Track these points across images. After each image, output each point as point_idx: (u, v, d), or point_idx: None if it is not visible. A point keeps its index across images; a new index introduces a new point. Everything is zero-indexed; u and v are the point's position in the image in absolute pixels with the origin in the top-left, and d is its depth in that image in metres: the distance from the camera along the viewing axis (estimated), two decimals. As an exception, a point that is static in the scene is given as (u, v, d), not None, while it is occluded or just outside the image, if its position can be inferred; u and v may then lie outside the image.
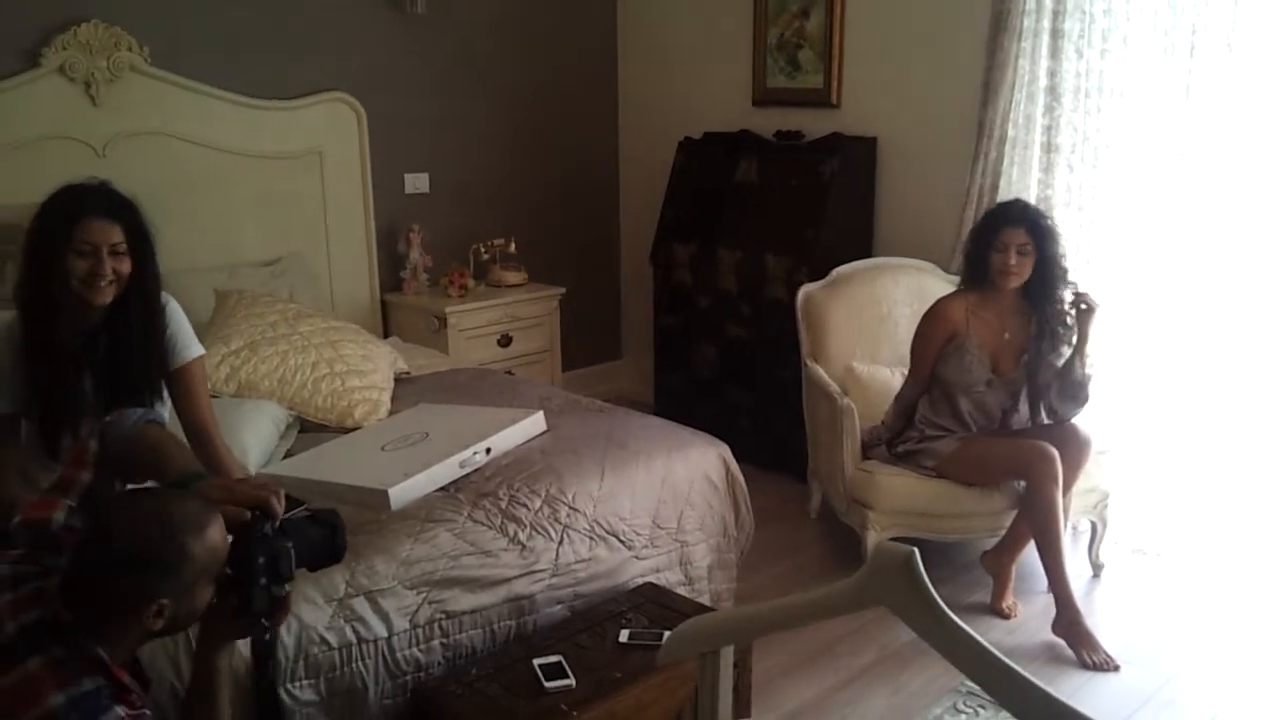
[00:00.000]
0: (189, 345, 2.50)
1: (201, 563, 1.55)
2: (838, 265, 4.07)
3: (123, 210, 2.29)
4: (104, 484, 1.75)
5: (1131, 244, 3.76)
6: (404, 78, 4.56)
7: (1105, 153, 3.76)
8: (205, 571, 1.57)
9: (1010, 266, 3.28)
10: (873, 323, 3.97)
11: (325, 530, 1.75)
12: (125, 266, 2.28)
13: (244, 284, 3.74)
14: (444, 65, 4.69)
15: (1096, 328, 3.32)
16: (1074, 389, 3.33)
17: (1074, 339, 3.32)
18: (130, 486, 1.83)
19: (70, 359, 2.30)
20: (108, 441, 1.77)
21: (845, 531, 3.64)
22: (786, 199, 4.44)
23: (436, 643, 2.44)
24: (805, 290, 3.98)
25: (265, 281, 3.87)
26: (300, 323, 3.41)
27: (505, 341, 4.57)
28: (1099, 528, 3.64)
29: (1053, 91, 3.83)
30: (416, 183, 4.67)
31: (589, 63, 5.28)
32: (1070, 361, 3.33)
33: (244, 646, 1.99)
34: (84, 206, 2.25)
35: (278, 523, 1.66)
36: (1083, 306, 3.29)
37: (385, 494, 2.55)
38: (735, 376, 4.62)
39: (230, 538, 1.62)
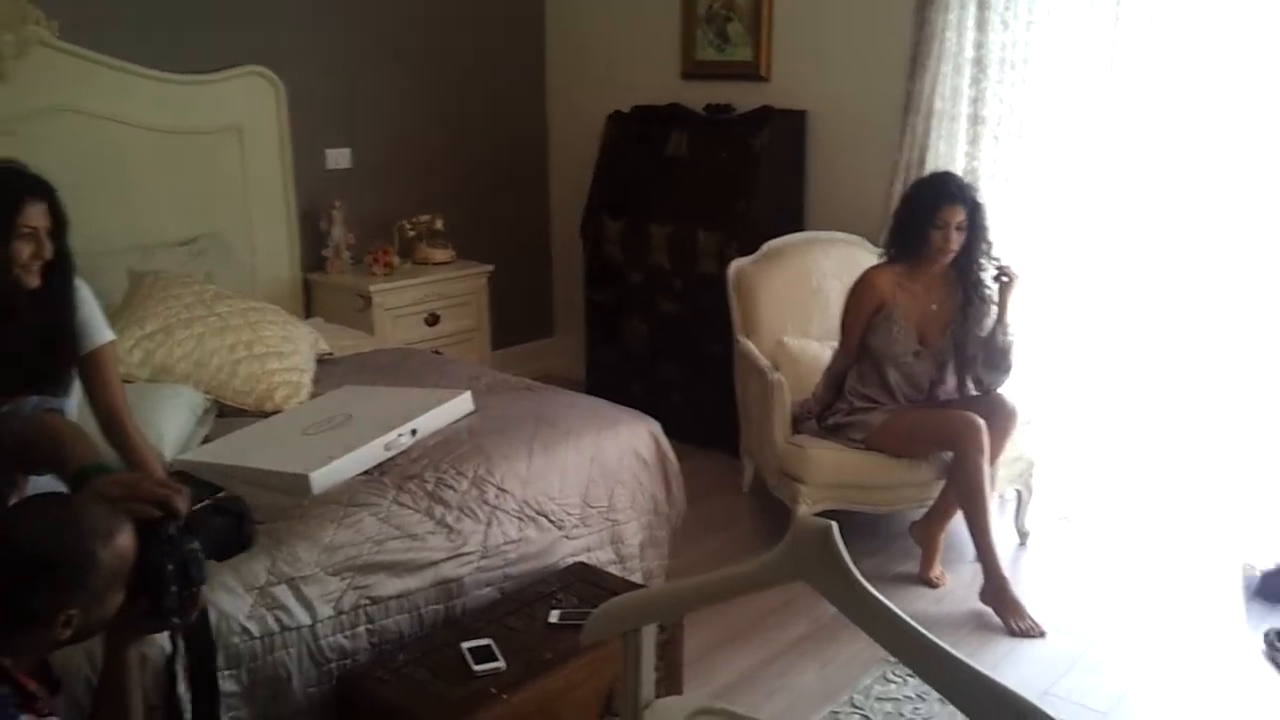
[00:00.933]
0: (100, 330, 2.41)
1: (111, 570, 1.51)
2: (769, 239, 4.07)
3: (46, 189, 2.21)
4: (2, 476, 1.69)
5: (1057, 216, 3.79)
6: (324, 50, 4.45)
7: (1030, 125, 3.79)
8: (115, 579, 1.52)
9: (950, 245, 3.31)
10: (804, 297, 3.98)
11: (231, 520, 1.71)
12: (49, 249, 2.20)
13: (159, 265, 3.63)
14: (366, 37, 4.58)
15: (1016, 298, 3.36)
16: (997, 358, 3.38)
17: (994, 310, 3.37)
18: (32, 478, 1.77)
19: None
20: (3, 433, 1.71)
21: (777, 505, 3.64)
22: (717, 173, 4.42)
23: (362, 629, 2.39)
24: (736, 265, 3.98)
25: (182, 262, 3.76)
26: (218, 304, 3.32)
27: (433, 320, 4.50)
28: (1025, 496, 3.69)
29: (979, 64, 3.85)
30: (338, 158, 4.57)
31: (516, 34, 5.19)
32: (992, 331, 3.37)
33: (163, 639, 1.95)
34: (20, 189, 2.17)
35: (181, 521, 1.61)
36: (1004, 279, 3.33)
37: (307, 479, 2.49)
38: (667, 352, 4.60)
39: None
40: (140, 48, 3.86)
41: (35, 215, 2.15)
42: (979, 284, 3.40)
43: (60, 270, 2.24)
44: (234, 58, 4.12)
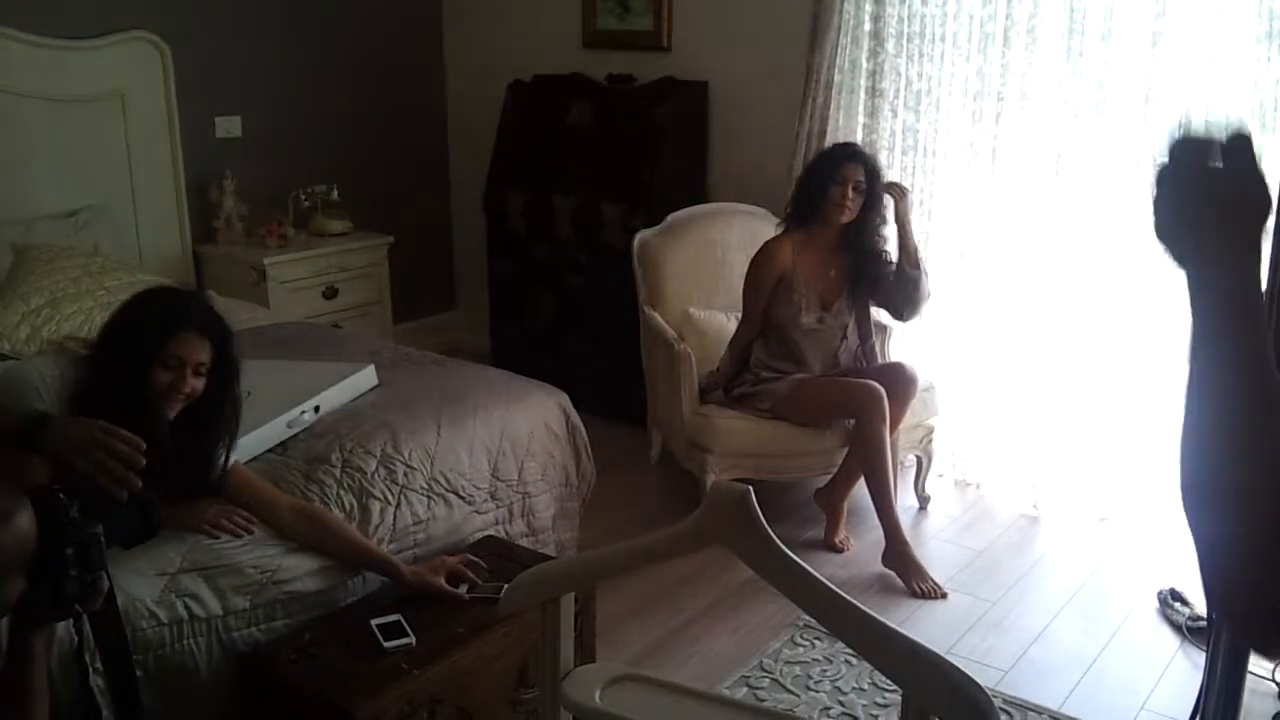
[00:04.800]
0: None
1: (10, 553, 1.43)
2: (672, 211, 4.07)
3: (214, 326, 2.20)
4: None
5: (954, 186, 3.87)
6: (212, 14, 4.29)
7: (927, 98, 3.86)
8: (14, 562, 1.45)
9: (847, 199, 3.36)
10: (708, 268, 3.99)
11: (136, 507, 1.65)
12: (198, 387, 2.15)
13: (43, 237, 3.48)
14: (256, 1, 4.43)
15: (914, 214, 3.48)
16: (910, 290, 3.44)
17: (890, 241, 3.45)
18: None
19: None
20: None
21: (685, 476, 3.67)
22: (620, 144, 4.40)
23: (280, 624, 2.31)
24: (641, 237, 3.97)
25: (67, 234, 3.61)
26: (106, 277, 3.20)
27: (331, 293, 4.40)
28: (925, 462, 3.78)
29: (876, 36, 3.90)
30: (228, 126, 4.41)
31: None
32: (900, 265, 3.42)
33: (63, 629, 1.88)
34: (182, 317, 2.16)
35: (78, 503, 1.55)
36: (894, 194, 3.43)
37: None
38: (573, 325, 4.58)
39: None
40: (17, 11, 3.67)
41: (189, 347, 2.11)
42: (870, 243, 3.46)
43: (208, 415, 2.17)
44: (117, 22, 3.95)
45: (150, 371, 2.09)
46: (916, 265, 3.44)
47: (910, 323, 3.59)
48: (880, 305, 3.57)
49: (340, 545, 2.37)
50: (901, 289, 3.45)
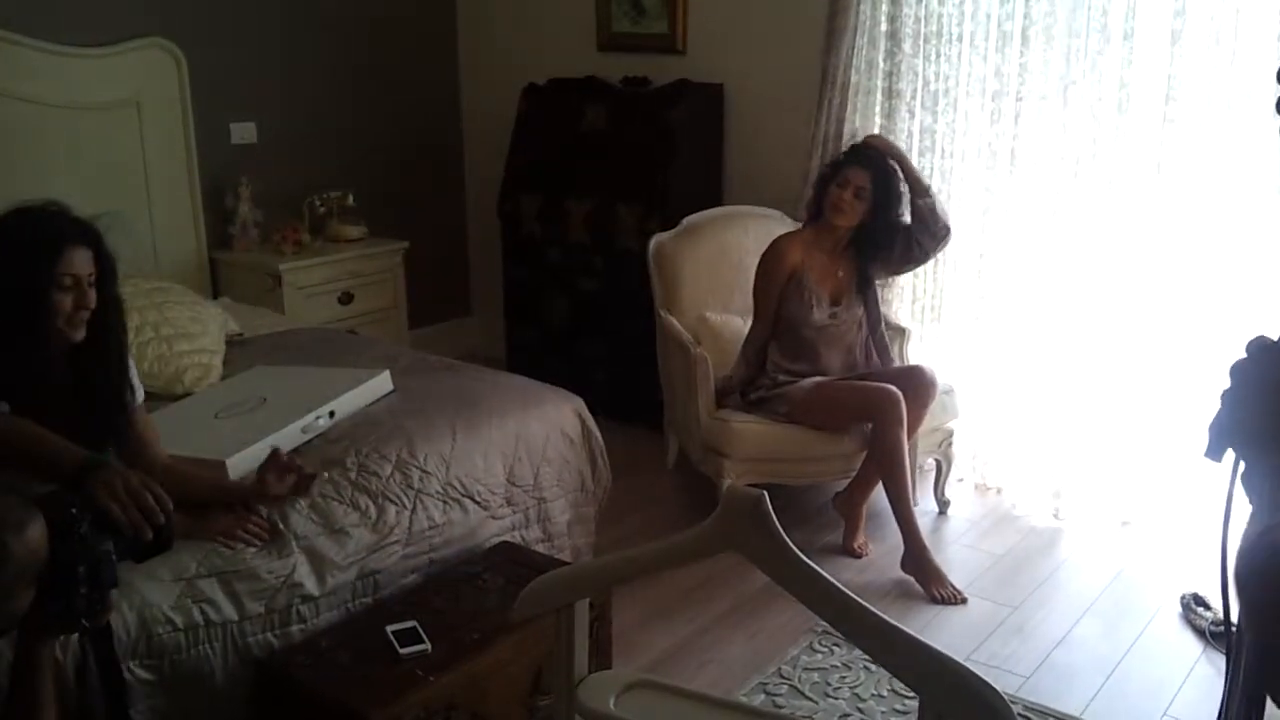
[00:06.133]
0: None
1: (21, 563, 1.44)
2: (688, 214, 4.05)
3: (90, 233, 2.11)
4: None
5: (973, 188, 3.84)
6: (226, 21, 4.29)
7: (944, 98, 3.83)
8: (25, 572, 1.45)
9: (843, 201, 3.37)
10: (725, 272, 3.97)
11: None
12: (94, 298, 2.07)
13: (57, 244, 3.48)
14: (270, 7, 4.43)
15: (905, 154, 3.51)
16: (925, 216, 3.41)
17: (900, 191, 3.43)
18: None
19: None
20: None
21: (702, 481, 3.65)
22: (635, 147, 4.39)
23: (295, 629, 2.31)
24: (656, 240, 3.95)
25: (81, 241, 3.61)
26: (122, 284, 3.19)
27: (346, 299, 4.40)
28: (944, 466, 3.75)
29: (893, 37, 3.88)
30: (243, 132, 4.41)
31: (426, 3, 5.07)
32: (914, 206, 3.41)
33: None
34: (61, 234, 2.06)
35: (90, 517, 1.55)
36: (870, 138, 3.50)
37: (222, 465, 2.41)
38: (589, 329, 4.57)
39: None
40: (32, 19, 3.68)
41: (78, 262, 2.02)
42: (882, 250, 3.46)
43: (105, 322, 2.11)
44: (132, 29, 3.96)
45: (49, 300, 1.99)
46: (925, 194, 3.41)
47: (937, 255, 3.56)
48: (902, 263, 3.55)
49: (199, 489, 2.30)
50: (917, 221, 3.42)
